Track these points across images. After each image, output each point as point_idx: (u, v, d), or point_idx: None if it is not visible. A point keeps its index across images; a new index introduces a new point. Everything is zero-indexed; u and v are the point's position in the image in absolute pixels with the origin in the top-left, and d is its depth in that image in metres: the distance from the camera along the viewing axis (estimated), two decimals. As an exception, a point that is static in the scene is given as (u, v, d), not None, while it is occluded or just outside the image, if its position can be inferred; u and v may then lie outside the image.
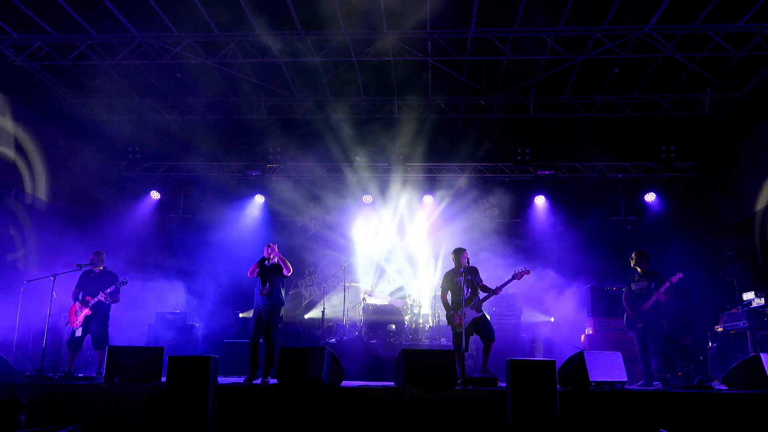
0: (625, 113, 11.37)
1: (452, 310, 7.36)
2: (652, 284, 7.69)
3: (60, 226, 10.86)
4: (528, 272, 7.48)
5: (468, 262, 7.50)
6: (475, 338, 7.53)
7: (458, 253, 7.53)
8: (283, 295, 7.82)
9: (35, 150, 10.50)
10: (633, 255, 7.98)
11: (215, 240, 12.58)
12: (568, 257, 11.70)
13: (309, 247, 13.54)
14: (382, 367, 9.17)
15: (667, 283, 7.60)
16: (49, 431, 5.23)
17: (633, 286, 7.86)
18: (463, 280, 7.37)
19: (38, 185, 10.60)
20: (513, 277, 7.41)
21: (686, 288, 10.68)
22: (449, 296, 7.47)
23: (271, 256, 7.77)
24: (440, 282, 7.82)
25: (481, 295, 7.43)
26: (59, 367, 8.05)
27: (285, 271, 7.76)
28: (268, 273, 7.75)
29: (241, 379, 7.27)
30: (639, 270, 7.88)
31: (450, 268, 7.61)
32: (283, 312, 7.82)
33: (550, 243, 12.23)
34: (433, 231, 12.99)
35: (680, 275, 7.66)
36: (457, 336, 7.23)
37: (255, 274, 7.74)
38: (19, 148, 10.23)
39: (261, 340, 7.63)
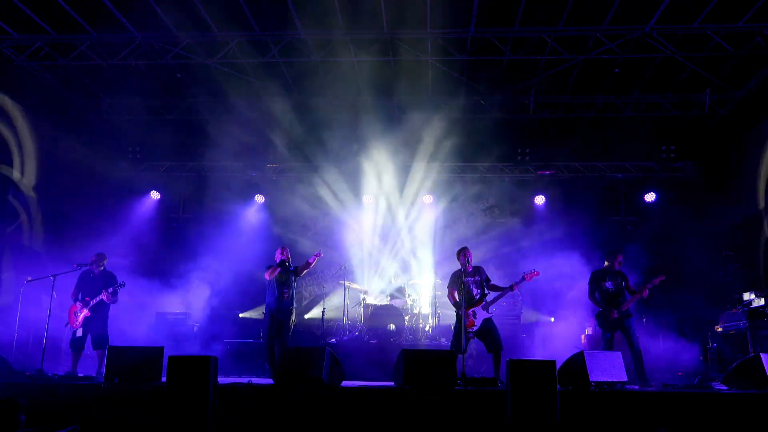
0: (625, 113, 11.36)
1: (463, 311, 7.21)
2: (623, 282, 7.76)
3: (55, 225, 10.86)
4: (537, 273, 7.39)
5: (471, 261, 7.49)
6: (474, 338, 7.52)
7: (461, 252, 7.50)
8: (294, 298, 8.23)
9: (33, 149, 10.48)
10: (611, 254, 7.95)
11: (215, 240, 12.58)
12: (567, 257, 11.69)
13: (309, 247, 13.53)
14: (382, 367, 9.16)
15: (650, 285, 7.58)
16: (49, 431, 5.23)
17: (605, 284, 7.81)
18: (472, 280, 7.36)
19: (33, 182, 10.58)
20: (522, 279, 7.34)
21: (686, 288, 10.71)
22: (456, 296, 7.38)
23: (289, 258, 8.13)
24: (443, 282, 7.81)
25: (491, 295, 7.41)
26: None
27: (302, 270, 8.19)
28: (286, 276, 8.04)
29: (242, 379, 7.26)
30: (612, 268, 7.85)
31: (456, 269, 7.56)
32: (295, 314, 8.17)
33: (549, 243, 12.21)
34: (433, 231, 12.98)
35: (662, 277, 7.66)
36: (458, 336, 7.20)
37: (273, 276, 8.00)
38: (18, 147, 10.21)
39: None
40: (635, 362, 7.46)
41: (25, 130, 10.30)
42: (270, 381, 7.06)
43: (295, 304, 8.16)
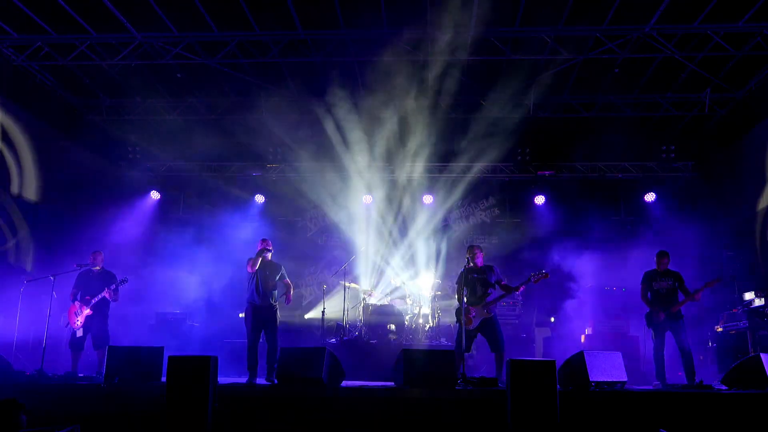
0: (625, 113, 11.36)
1: (463, 308, 7.13)
2: (676, 283, 7.72)
3: (55, 226, 10.84)
4: (546, 275, 7.24)
5: (480, 260, 7.47)
6: (476, 339, 7.51)
7: (469, 250, 7.48)
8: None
9: (31, 149, 10.45)
10: (658, 256, 7.88)
11: (215, 240, 12.58)
12: (567, 257, 11.70)
13: (309, 247, 13.54)
14: (382, 367, 9.15)
15: (704, 288, 7.58)
16: (49, 431, 5.23)
17: (655, 285, 7.80)
18: (477, 277, 7.34)
19: (31, 185, 10.55)
20: (529, 280, 7.24)
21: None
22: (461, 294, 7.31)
23: (269, 253, 7.56)
24: (443, 282, 7.73)
25: (492, 295, 7.37)
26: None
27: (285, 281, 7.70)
28: (268, 271, 7.54)
29: (242, 379, 7.26)
30: (661, 269, 7.82)
31: (464, 266, 7.45)
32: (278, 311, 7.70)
33: (550, 243, 12.22)
34: (433, 231, 12.99)
35: (718, 280, 7.68)
36: (459, 334, 7.18)
37: (255, 268, 7.46)
38: (15, 160, 10.17)
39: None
40: (684, 362, 7.48)
41: (23, 141, 10.22)
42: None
43: (276, 300, 7.53)
